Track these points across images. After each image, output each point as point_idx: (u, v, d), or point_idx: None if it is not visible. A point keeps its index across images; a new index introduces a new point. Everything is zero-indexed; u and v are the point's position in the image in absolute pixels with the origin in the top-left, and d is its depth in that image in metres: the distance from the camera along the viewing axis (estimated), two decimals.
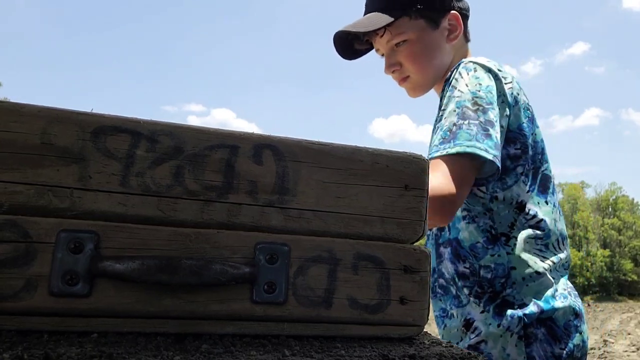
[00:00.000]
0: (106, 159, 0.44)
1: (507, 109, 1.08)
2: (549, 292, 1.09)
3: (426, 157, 0.56)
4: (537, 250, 1.10)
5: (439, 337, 1.18)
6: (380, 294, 0.50)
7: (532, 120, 1.14)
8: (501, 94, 1.08)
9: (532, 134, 1.13)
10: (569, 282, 1.15)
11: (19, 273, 0.41)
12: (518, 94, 1.12)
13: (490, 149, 0.98)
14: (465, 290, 1.11)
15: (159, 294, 0.44)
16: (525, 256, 1.08)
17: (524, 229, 1.10)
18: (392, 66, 1.21)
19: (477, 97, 1.04)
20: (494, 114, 1.03)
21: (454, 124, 1.02)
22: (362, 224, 0.51)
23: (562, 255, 1.14)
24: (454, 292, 1.15)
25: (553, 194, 1.17)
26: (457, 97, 1.05)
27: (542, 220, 1.11)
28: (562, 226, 1.17)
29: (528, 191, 1.11)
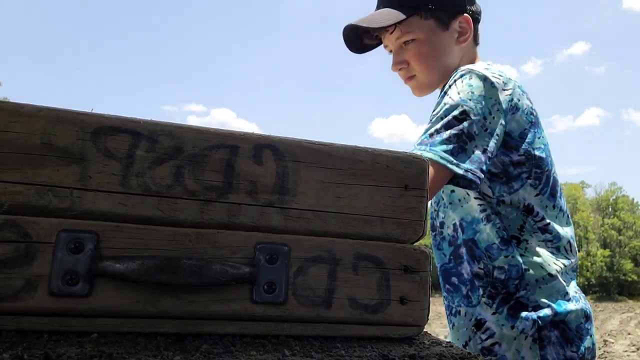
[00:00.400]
0: (106, 159, 0.44)
1: (502, 118, 1.07)
2: (562, 294, 1.09)
3: (425, 158, 0.56)
4: (549, 253, 1.10)
5: (448, 333, 1.17)
6: (380, 294, 0.50)
7: (536, 124, 1.13)
8: (496, 102, 1.07)
9: (538, 138, 1.13)
10: (577, 286, 1.15)
11: (19, 273, 0.41)
12: (519, 100, 1.11)
13: (462, 163, 0.99)
14: (480, 291, 1.11)
15: (159, 294, 0.44)
16: (539, 258, 1.09)
17: (534, 232, 1.11)
18: (399, 64, 1.21)
19: (466, 106, 1.04)
20: (477, 127, 1.03)
21: (436, 130, 1.02)
22: (362, 224, 0.51)
23: (572, 259, 1.14)
24: (464, 291, 1.15)
25: (561, 197, 1.17)
26: (447, 104, 1.05)
27: (549, 223, 1.11)
28: (570, 230, 1.17)
29: (537, 194, 1.11)
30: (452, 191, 1.15)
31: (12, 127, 0.42)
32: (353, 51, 1.27)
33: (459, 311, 1.16)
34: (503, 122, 1.07)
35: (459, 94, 1.06)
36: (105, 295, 0.42)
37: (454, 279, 1.17)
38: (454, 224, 1.17)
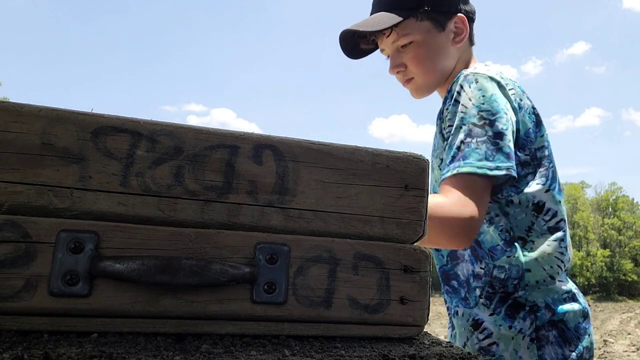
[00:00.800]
0: (106, 159, 0.44)
1: (516, 114, 1.09)
2: (560, 294, 1.09)
3: (426, 157, 0.56)
4: (559, 253, 1.10)
5: (448, 333, 1.18)
6: (380, 294, 0.50)
7: (538, 123, 1.14)
8: (507, 100, 1.08)
9: (541, 136, 1.13)
10: (574, 285, 1.16)
11: (19, 273, 0.41)
12: (521, 99, 1.12)
13: (502, 164, 0.99)
14: (477, 291, 1.11)
15: (159, 294, 0.44)
16: (542, 260, 1.08)
17: (542, 233, 1.10)
18: (397, 67, 1.21)
19: (482, 111, 1.04)
20: (502, 124, 1.03)
21: (462, 142, 1.02)
22: (362, 224, 0.51)
23: (570, 257, 1.14)
24: (463, 294, 1.15)
25: (561, 195, 1.17)
26: (463, 112, 1.06)
27: (561, 220, 1.12)
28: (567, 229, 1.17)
29: (547, 190, 1.11)
30: None
31: (12, 127, 0.42)
32: (350, 57, 1.27)
33: (457, 312, 1.16)
34: (516, 119, 1.08)
35: (470, 100, 1.06)
36: (105, 295, 0.42)
37: (453, 282, 1.17)
38: None
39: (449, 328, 1.27)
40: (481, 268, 1.11)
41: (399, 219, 0.53)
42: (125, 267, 0.42)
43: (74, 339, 0.41)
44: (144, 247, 0.44)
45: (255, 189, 0.48)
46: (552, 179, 1.13)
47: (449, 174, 1.02)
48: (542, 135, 1.14)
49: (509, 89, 1.10)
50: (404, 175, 0.53)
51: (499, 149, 1.00)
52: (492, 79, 1.09)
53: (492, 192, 1.07)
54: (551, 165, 1.14)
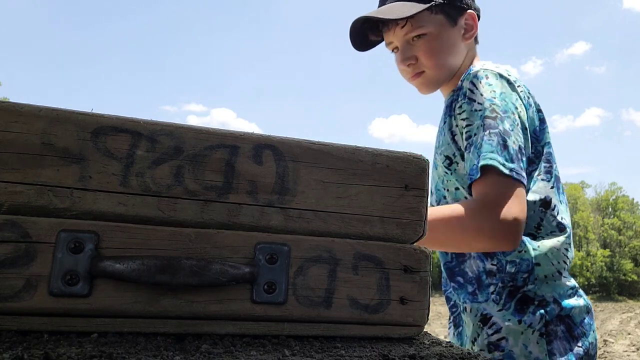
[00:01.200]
0: (106, 159, 0.44)
1: (525, 111, 1.09)
2: (565, 290, 1.09)
3: (426, 157, 0.56)
4: (564, 249, 1.11)
5: (448, 334, 1.16)
6: (380, 294, 0.50)
7: (543, 121, 1.15)
8: (517, 97, 1.09)
9: (546, 134, 1.14)
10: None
11: (19, 273, 0.41)
12: (528, 97, 1.13)
13: (507, 163, 0.99)
14: (491, 288, 1.10)
15: (159, 294, 0.44)
16: (552, 255, 1.09)
17: (552, 231, 1.11)
18: (408, 60, 1.18)
19: (494, 105, 1.05)
20: (509, 123, 1.03)
21: (481, 137, 1.03)
22: (362, 224, 0.51)
23: (573, 254, 1.15)
24: (470, 289, 1.14)
25: (563, 194, 1.18)
26: (479, 110, 1.06)
27: (563, 217, 1.12)
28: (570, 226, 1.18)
29: (552, 187, 1.12)
30: (457, 189, 1.15)
31: (12, 127, 0.42)
32: (357, 48, 1.25)
33: (465, 307, 1.15)
34: (526, 115, 1.09)
35: (482, 95, 1.07)
36: (105, 295, 0.42)
37: (459, 279, 1.17)
38: None
39: (449, 327, 1.25)
40: (493, 264, 1.10)
41: (399, 219, 0.53)
42: (125, 267, 0.42)
43: (74, 339, 0.41)
44: (144, 247, 0.44)
45: (255, 189, 0.48)
46: (555, 177, 1.13)
47: (477, 176, 1.01)
48: (547, 134, 1.15)
49: (518, 86, 1.11)
50: (404, 175, 0.53)
51: (506, 147, 1.01)
52: (501, 76, 1.10)
53: None
54: (553, 164, 1.14)
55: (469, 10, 1.20)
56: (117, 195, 0.44)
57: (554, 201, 1.11)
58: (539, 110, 1.15)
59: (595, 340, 1.12)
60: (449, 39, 1.18)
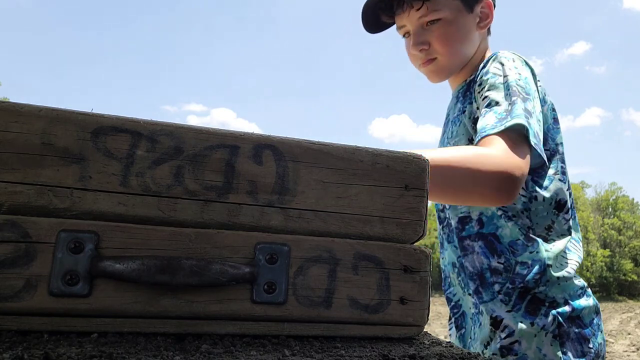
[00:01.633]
0: (106, 159, 0.44)
1: (541, 106, 1.07)
2: (575, 290, 1.08)
3: (426, 158, 0.56)
4: (567, 251, 1.10)
5: (448, 334, 1.17)
6: (380, 294, 0.50)
7: (557, 121, 1.14)
8: (537, 89, 1.06)
9: (560, 134, 1.14)
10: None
11: (19, 273, 0.40)
12: (545, 94, 1.11)
13: (533, 137, 0.95)
14: (496, 287, 1.08)
15: (159, 294, 0.44)
16: (563, 258, 1.08)
17: (562, 233, 1.09)
18: (421, 44, 1.14)
19: (519, 86, 1.01)
20: (531, 105, 1.01)
21: (509, 104, 0.98)
22: (362, 224, 0.51)
23: (581, 255, 1.14)
24: (473, 287, 1.12)
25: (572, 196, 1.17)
26: (504, 82, 1.02)
27: (575, 219, 1.12)
28: (578, 227, 1.17)
29: (567, 189, 1.10)
30: None
31: (12, 127, 0.42)
32: (367, 28, 1.22)
33: (481, 309, 1.12)
34: (539, 108, 1.05)
35: (508, 74, 1.03)
36: (105, 295, 0.42)
37: (462, 275, 1.16)
38: (461, 217, 1.14)
39: (450, 329, 1.24)
40: (499, 263, 1.08)
41: (399, 219, 0.53)
42: (125, 267, 0.42)
43: (74, 339, 0.41)
44: (144, 247, 0.44)
45: (255, 189, 0.48)
46: (568, 179, 1.13)
47: (495, 130, 0.94)
48: (560, 134, 1.14)
49: (537, 80, 1.10)
50: (404, 175, 0.53)
51: (530, 125, 0.97)
52: (527, 63, 1.08)
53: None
54: (565, 165, 1.13)
55: None
56: (117, 195, 0.44)
57: (568, 204, 1.10)
58: (553, 109, 1.13)
59: (604, 340, 1.11)
60: (464, 26, 1.15)
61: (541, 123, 1.03)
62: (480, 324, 1.13)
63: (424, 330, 0.54)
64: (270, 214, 0.48)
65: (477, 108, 1.08)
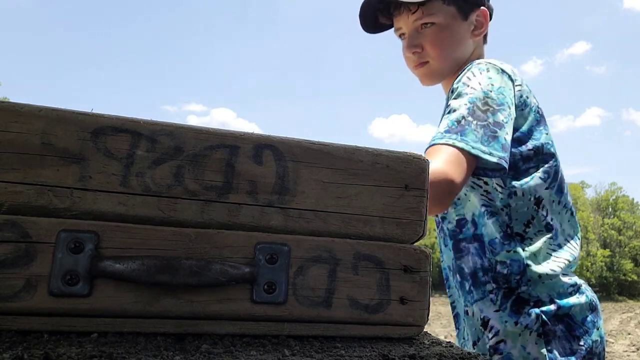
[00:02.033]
0: (106, 159, 0.44)
1: (516, 111, 1.08)
2: (565, 288, 1.08)
3: (426, 157, 0.56)
4: (551, 250, 1.10)
5: (461, 332, 1.17)
6: (380, 294, 0.50)
7: (542, 122, 1.14)
8: (512, 95, 1.07)
9: (545, 134, 1.14)
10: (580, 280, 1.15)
11: (19, 273, 0.41)
12: (527, 97, 1.12)
13: (495, 152, 0.98)
14: (488, 287, 1.10)
15: (159, 294, 0.44)
16: (541, 256, 1.08)
17: (540, 230, 1.10)
18: (414, 47, 1.18)
19: (488, 98, 1.03)
20: (504, 116, 1.02)
21: (464, 117, 1.00)
22: (362, 224, 0.51)
23: (575, 254, 1.14)
24: (467, 287, 1.14)
25: (567, 195, 1.17)
26: (470, 93, 1.04)
27: (552, 219, 1.11)
28: (572, 226, 1.17)
29: (547, 188, 1.11)
30: None
31: (12, 127, 0.42)
32: (366, 30, 1.25)
33: (467, 311, 1.15)
34: (515, 116, 1.08)
35: (479, 84, 1.05)
36: (106, 295, 0.42)
37: (458, 276, 1.17)
38: (458, 220, 1.16)
39: (456, 329, 1.25)
40: (486, 261, 1.10)
41: (399, 219, 0.53)
42: (126, 267, 0.42)
43: (74, 339, 0.41)
44: (144, 247, 0.44)
45: (255, 189, 0.48)
46: (553, 177, 1.13)
47: (442, 140, 0.98)
48: (547, 134, 1.14)
49: (517, 85, 1.10)
50: (404, 175, 0.53)
51: (496, 138, 1.00)
52: (503, 71, 1.09)
53: (476, 173, 1.05)
54: (555, 164, 1.14)
55: (481, 7, 1.19)
56: (117, 195, 0.44)
57: (544, 202, 1.11)
58: (538, 112, 1.14)
59: (601, 337, 1.10)
60: (457, 32, 1.17)
61: (511, 129, 1.05)
62: (467, 324, 1.15)
63: (424, 330, 0.55)
64: (270, 214, 0.48)
65: (445, 108, 1.10)
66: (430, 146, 1.00)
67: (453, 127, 1.00)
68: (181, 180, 0.46)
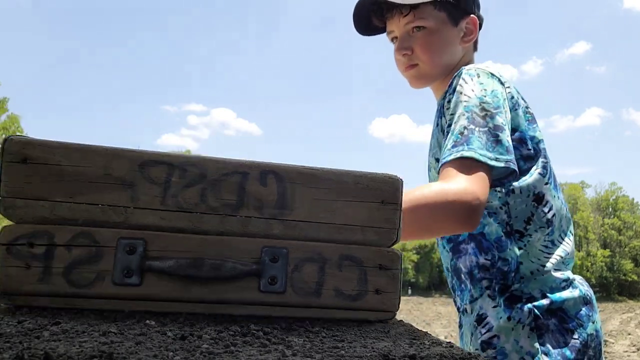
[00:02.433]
0: (150, 185, 0.59)
1: (511, 112, 1.11)
2: (557, 283, 1.10)
3: (399, 177, 0.69)
4: (543, 246, 1.11)
5: (462, 332, 1.20)
6: (359, 286, 0.64)
7: (532, 122, 1.17)
8: (505, 97, 1.10)
9: (538, 132, 1.16)
10: (574, 275, 1.17)
11: (91, 269, 0.55)
12: (517, 98, 1.14)
13: (501, 156, 1.00)
14: (485, 283, 1.12)
15: (189, 284, 0.58)
16: (533, 252, 1.10)
17: (540, 226, 1.11)
18: (404, 49, 1.21)
19: (484, 103, 1.05)
20: (502, 118, 1.04)
21: (465, 127, 1.02)
22: (346, 232, 0.65)
23: (568, 250, 1.16)
24: (464, 286, 1.16)
25: (560, 191, 1.20)
26: (465, 101, 1.06)
27: (554, 214, 1.13)
28: (567, 222, 1.19)
29: (547, 183, 1.13)
30: None
31: (83, 163, 0.57)
32: (359, 31, 1.28)
33: (466, 309, 1.17)
34: (511, 116, 1.10)
35: (473, 90, 1.07)
36: (151, 284, 0.57)
37: (456, 278, 1.20)
38: None
39: (460, 328, 1.26)
40: (487, 259, 1.11)
41: (377, 227, 0.65)
42: (165, 265, 0.56)
43: (74, 339, 0.43)
44: (178, 250, 0.58)
45: (261, 205, 0.62)
46: (549, 173, 1.15)
47: (452, 156, 1.00)
48: (539, 132, 1.17)
49: (507, 87, 1.13)
50: (380, 192, 0.65)
51: (499, 141, 1.01)
52: (493, 75, 1.11)
53: (492, 185, 1.06)
54: (547, 161, 1.16)
55: (471, 15, 1.23)
56: (158, 211, 0.58)
57: (547, 197, 1.12)
58: (528, 112, 1.16)
59: (597, 331, 1.10)
60: (447, 37, 1.21)
61: (509, 130, 1.07)
62: (464, 323, 1.19)
63: (425, 330, 0.60)
64: (273, 225, 0.62)
65: (446, 122, 1.12)
66: (442, 165, 1.02)
67: (458, 140, 1.02)
68: (205, 200, 0.60)
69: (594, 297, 1.16)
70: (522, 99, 1.18)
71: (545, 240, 1.12)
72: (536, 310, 1.06)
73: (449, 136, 1.05)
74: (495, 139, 1.01)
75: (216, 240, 0.60)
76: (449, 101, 1.11)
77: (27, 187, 0.55)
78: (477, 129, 1.01)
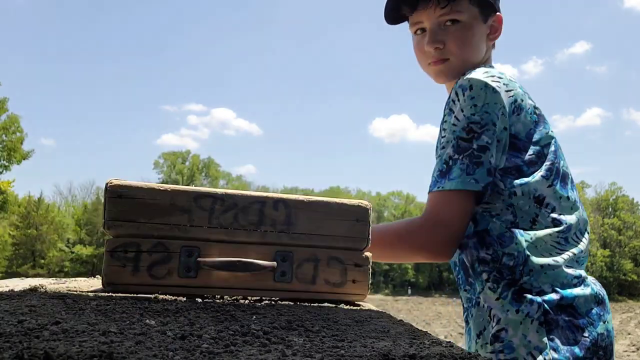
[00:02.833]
0: (200, 211, 0.88)
1: (507, 122, 1.10)
2: (569, 279, 1.08)
3: (368, 204, 0.98)
4: (555, 242, 1.10)
5: (469, 327, 1.20)
6: (342, 277, 0.93)
7: (540, 122, 1.15)
8: (501, 106, 1.08)
9: (546, 133, 1.15)
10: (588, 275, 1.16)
11: (164, 267, 0.85)
12: (522, 100, 1.12)
13: (480, 178, 1.05)
14: (484, 275, 1.11)
15: (228, 277, 0.87)
16: (543, 246, 1.09)
17: (547, 225, 1.11)
18: (437, 42, 1.17)
19: (472, 123, 1.06)
20: (488, 136, 1.06)
21: (450, 158, 1.08)
22: (332, 240, 0.94)
23: (582, 247, 1.14)
24: (469, 280, 1.17)
25: (573, 189, 1.18)
26: (454, 125, 1.09)
27: (560, 214, 1.12)
28: (582, 221, 1.17)
29: (550, 186, 1.12)
30: None
31: (157, 197, 0.86)
32: (387, 20, 1.26)
33: (478, 302, 1.15)
34: (507, 126, 1.10)
35: (462, 111, 1.08)
36: (204, 278, 0.86)
37: (463, 272, 1.20)
38: None
39: (465, 324, 1.25)
40: (487, 254, 1.11)
41: (353, 237, 0.94)
42: (212, 264, 0.85)
43: (74, 339, 0.44)
44: (221, 255, 0.87)
45: (274, 224, 0.91)
46: (555, 174, 1.13)
47: (435, 189, 1.07)
48: (547, 133, 1.15)
49: (507, 91, 1.10)
50: (355, 214, 0.93)
51: (480, 164, 1.04)
52: (486, 85, 1.08)
53: (478, 202, 1.12)
54: (557, 160, 1.14)
55: (497, 13, 1.23)
56: (206, 229, 0.88)
57: (548, 200, 1.11)
58: (535, 113, 1.15)
59: (608, 332, 1.08)
60: (479, 33, 1.19)
61: (500, 144, 1.09)
62: (473, 315, 1.16)
63: (425, 330, 0.63)
64: (282, 236, 0.91)
65: (441, 135, 1.15)
66: (429, 191, 1.11)
67: (443, 169, 1.09)
68: (237, 220, 0.89)
69: (606, 297, 1.14)
70: (530, 99, 1.16)
71: (557, 237, 1.11)
72: (546, 305, 1.04)
73: (437, 160, 1.13)
74: (477, 161, 1.06)
75: (245, 247, 0.89)
76: (444, 116, 1.15)
77: (122, 213, 0.85)
78: (460, 156, 1.07)
